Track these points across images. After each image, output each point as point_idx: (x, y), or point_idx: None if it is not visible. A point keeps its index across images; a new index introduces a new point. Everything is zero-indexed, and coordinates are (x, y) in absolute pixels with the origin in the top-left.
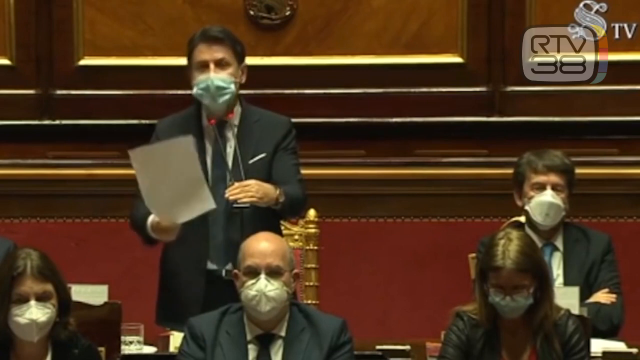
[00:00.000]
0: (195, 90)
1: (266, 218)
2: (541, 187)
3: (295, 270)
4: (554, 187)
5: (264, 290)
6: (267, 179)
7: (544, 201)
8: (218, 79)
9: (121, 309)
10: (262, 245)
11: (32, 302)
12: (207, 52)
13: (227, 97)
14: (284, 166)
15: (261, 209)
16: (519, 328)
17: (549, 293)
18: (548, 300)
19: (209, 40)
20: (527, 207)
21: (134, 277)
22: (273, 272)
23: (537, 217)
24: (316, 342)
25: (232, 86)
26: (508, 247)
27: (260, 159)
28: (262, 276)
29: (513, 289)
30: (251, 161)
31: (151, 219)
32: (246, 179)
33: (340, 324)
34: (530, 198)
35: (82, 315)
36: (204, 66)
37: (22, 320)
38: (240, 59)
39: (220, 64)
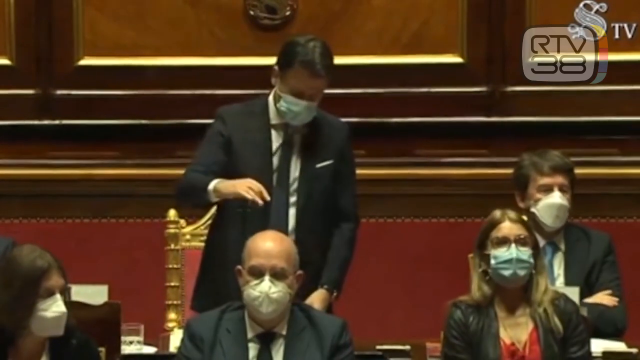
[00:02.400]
0: (282, 105)
1: (325, 217)
2: (548, 189)
3: (299, 272)
4: (561, 188)
5: (267, 292)
6: (329, 185)
7: (553, 203)
8: (311, 109)
9: (121, 309)
10: (268, 246)
11: (58, 296)
12: (307, 84)
13: (307, 121)
14: (346, 197)
15: (317, 205)
16: (517, 304)
17: (543, 268)
18: (544, 275)
19: (313, 75)
20: (533, 210)
21: (134, 277)
22: (278, 275)
23: (547, 220)
24: (317, 342)
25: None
26: (506, 210)
27: (327, 165)
28: (267, 277)
29: (517, 239)
30: (318, 165)
31: (216, 185)
32: (312, 184)
33: (340, 325)
34: (538, 200)
35: (82, 315)
36: (301, 94)
37: (49, 314)
38: None
39: (315, 96)
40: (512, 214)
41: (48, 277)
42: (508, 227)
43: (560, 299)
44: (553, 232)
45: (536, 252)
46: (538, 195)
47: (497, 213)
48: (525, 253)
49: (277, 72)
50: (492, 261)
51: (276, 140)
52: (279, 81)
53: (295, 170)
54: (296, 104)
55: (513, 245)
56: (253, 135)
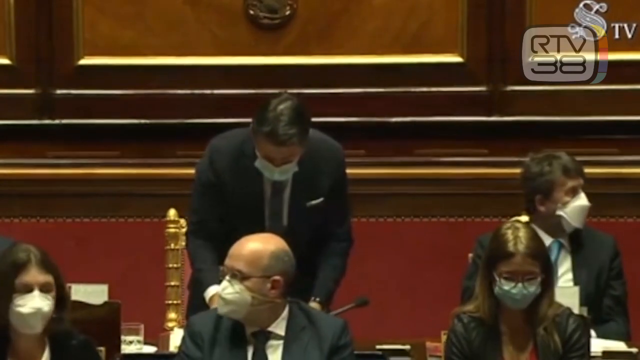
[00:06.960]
0: (258, 165)
1: (312, 244)
2: (575, 192)
3: (275, 277)
4: (583, 189)
5: (220, 292)
6: (319, 218)
7: (584, 205)
8: (288, 170)
9: (121, 308)
10: (235, 248)
11: (36, 292)
12: (275, 153)
13: (289, 176)
14: (339, 220)
15: (305, 237)
16: (520, 323)
17: (551, 285)
18: (550, 292)
19: (277, 145)
20: (561, 213)
21: (134, 277)
22: (235, 276)
23: (576, 222)
24: (316, 342)
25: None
26: (518, 234)
27: (317, 203)
28: (226, 277)
29: (525, 276)
30: (309, 204)
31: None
32: (301, 222)
33: (341, 325)
34: (566, 203)
35: (82, 315)
36: (272, 160)
37: (25, 310)
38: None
39: (288, 159)
40: (522, 246)
41: (25, 273)
42: (519, 263)
43: (562, 315)
44: (558, 231)
45: (546, 276)
46: (566, 198)
47: (510, 243)
48: (531, 288)
49: (253, 136)
50: (498, 289)
51: (267, 181)
52: (256, 147)
53: (286, 208)
54: (269, 169)
55: (520, 284)
56: (244, 179)
